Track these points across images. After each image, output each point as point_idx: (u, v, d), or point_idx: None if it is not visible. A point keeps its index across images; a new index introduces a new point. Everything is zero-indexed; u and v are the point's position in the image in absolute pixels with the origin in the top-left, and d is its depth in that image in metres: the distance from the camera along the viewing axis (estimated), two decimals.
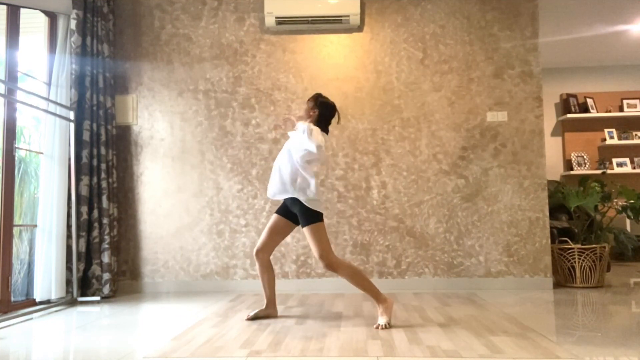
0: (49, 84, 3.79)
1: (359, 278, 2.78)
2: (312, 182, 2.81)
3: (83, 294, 3.82)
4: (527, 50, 4.17)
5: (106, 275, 3.85)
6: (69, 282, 3.72)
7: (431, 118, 4.17)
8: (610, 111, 6.34)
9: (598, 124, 6.44)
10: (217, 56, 4.28)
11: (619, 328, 2.62)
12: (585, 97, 6.42)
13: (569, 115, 6.30)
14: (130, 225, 4.21)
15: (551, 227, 4.34)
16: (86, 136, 3.87)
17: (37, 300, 3.53)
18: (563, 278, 4.17)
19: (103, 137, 3.96)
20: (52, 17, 3.90)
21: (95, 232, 3.87)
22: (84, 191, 3.83)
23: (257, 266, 3.02)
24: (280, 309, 3.24)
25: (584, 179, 4.51)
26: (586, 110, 6.37)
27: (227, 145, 4.22)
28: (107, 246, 3.88)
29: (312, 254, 4.06)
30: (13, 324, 2.98)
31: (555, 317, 2.93)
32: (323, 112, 2.93)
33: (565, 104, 6.44)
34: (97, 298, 3.79)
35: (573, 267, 4.08)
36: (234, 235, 4.16)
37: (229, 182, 4.20)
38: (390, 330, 2.63)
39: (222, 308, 3.36)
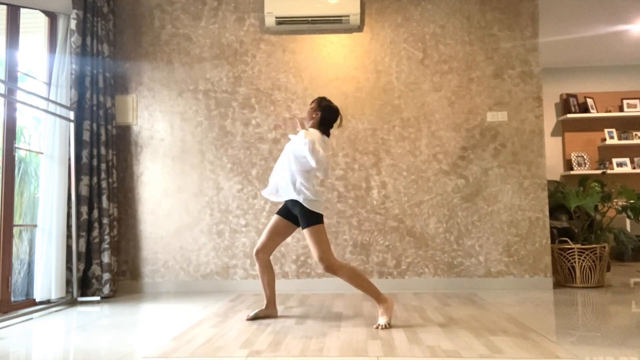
0: (49, 84, 3.79)
1: (358, 279, 2.78)
2: (312, 183, 2.81)
3: (83, 294, 3.82)
4: (527, 50, 4.17)
5: (106, 275, 3.85)
6: (69, 282, 3.72)
7: (431, 118, 4.17)
8: (610, 111, 6.34)
9: (598, 124, 6.44)
10: (217, 56, 4.28)
11: (619, 328, 2.62)
12: (585, 97, 6.42)
13: (569, 115, 6.30)
14: (130, 225, 4.21)
15: (551, 227, 4.34)
16: (86, 136, 3.87)
17: (37, 300, 3.53)
18: (563, 278, 4.17)
19: (103, 137, 3.96)
20: (52, 17, 3.90)
21: (95, 232, 3.88)
22: (84, 191, 3.83)
23: (257, 266, 3.02)
24: (280, 309, 3.24)
25: (584, 179, 4.51)
26: (586, 110, 6.37)
27: (227, 145, 4.22)
28: (107, 246, 3.88)
29: (312, 254, 4.05)
30: (13, 324, 2.98)
31: (555, 317, 2.93)
32: (325, 115, 2.92)
33: (565, 104, 6.44)
34: (97, 298, 3.79)
35: (573, 267, 4.08)
36: (234, 235, 4.16)
37: (229, 182, 4.20)
38: (390, 330, 2.63)
39: (222, 308, 3.36)
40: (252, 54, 4.26)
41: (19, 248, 3.61)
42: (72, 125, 3.79)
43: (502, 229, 4.07)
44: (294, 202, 2.83)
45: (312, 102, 2.98)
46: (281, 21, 4.13)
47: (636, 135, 6.29)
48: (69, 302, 3.67)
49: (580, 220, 4.28)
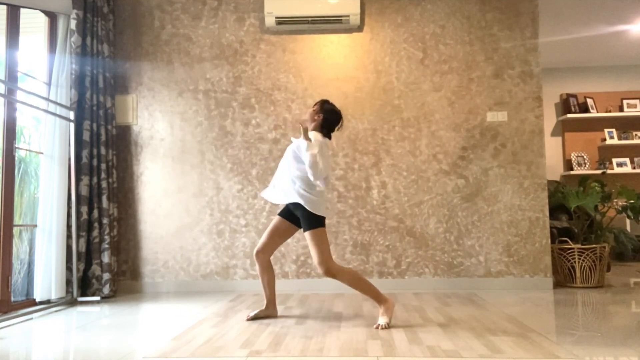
0: (49, 84, 3.79)
1: (358, 282, 2.78)
2: (314, 185, 2.81)
3: (83, 294, 3.82)
4: (527, 50, 4.17)
5: (106, 275, 3.85)
6: (69, 282, 3.72)
7: (431, 118, 4.17)
8: (610, 111, 6.34)
9: (598, 124, 6.44)
10: (217, 56, 4.28)
11: (619, 328, 2.62)
12: (585, 97, 6.42)
13: (569, 115, 6.30)
14: (130, 225, 4.21)
15: (551, 227, 4.34)
16: (86, 136, 3.87)
17: (37, 300, 3.53)
18: (563, 278, 4.17)
19: (103, 137, 3.96)
20: (52, 17, 3.90)
21: (95, 232, 3.88)
22: (84, 191, 3.83)
23: (257, 267, 3.02)
24: (280, 309, 3.24)
25: (584, 179, 4.51)
26: (586, 110, 6.37)
27: (227, 145, 4.22)
28: (107, 246, 3.88)
29: (311, 257, 4.05)
30: (13, 324, 2.98)
31: (555, 317, 2.93)
32: (328, 118, 2.92)
33: (565, 104, 6.44)
34: (97, 298, 3.79)
35: (573, 267, 4.08)
36: (234, 235, 4.16)
37: (229, 182, 4.20)
38: (390, 330, 2.63)
39: (222, 308, 3.36)
40: (252, 54, 4.26)
41: (19, 248, 3.61)
42: (72, 125, 3.79)
43: (502, 229, 4.08)
44: (296, 205, 2.83)
45: (315, 104, 2.98)
46: (281, 21, 4.13)
47: (636, 135, 6.30)
48: (69, 302, 3.67)
49: (580, 220, 4.28)
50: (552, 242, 4.28)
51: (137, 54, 4.31)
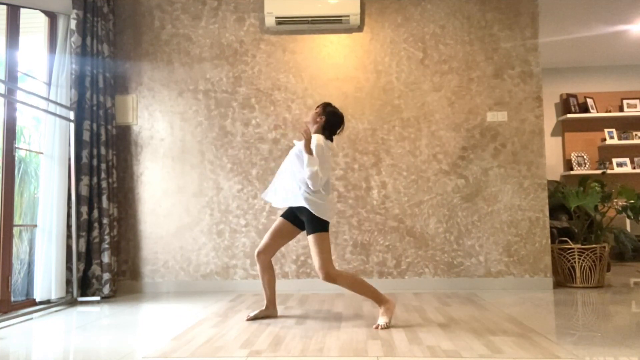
0: (49, 84, 3.79)
1: (358, 286, 2.78)
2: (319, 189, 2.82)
3: (83, 294, 3.82)
4: (527, 50, 4.17)
5: (106, 275, 3.85)
6: (69, 282, 3.72)
7: (431, 118, 4.17)
8: (610, 111, 6.34)
9: (598, 124, 6.44)
10: (217, 56, 4.28)
11: (619, 328, 2.62)
12: (585, 97, 6.42)
13: (569, 115, 6.30)
14: (130, 225, 4.21)
15: (551, 227, 4.34)
16: (86, 136, 3.87)
17: (37, 300, 3.53)
18: (563, 278, 4.17)
19: (103, 137, 3.96)
20: (52, 17, 3.90)
21: (95, 232, 3.87)
22: (84, 191, 3.83)
23: (257, 267, 3.02)
24: (280, 309, 3.24)
25: (584, 179, 4.51)
26: (586, 110, 6.37)
27: (227, 145, 4.22)
28: (107, 246, 3.88)
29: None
30: (13, 324, 2.98)
31: (555, 317, 2.93)
32: (330, 120, 2.93)
33: (565, 104, 6.44)
34: (97, 298, 3.79)
35: (573, 267, 4.08)
36: (234, 235, 4.16)
37: (229, 182, 4.20)
38: (390, 330, 2.63)
39: (222, 308, 3.36)
40: (252, 54, 4.26)
41: (19, 248, 3.61)
42: (72, 125, 3.79)
43: (502, 229, 4.07)
44: (302, 208, 2.83)
45: (317, 107, 2.99)
46: (281, 21, 4.13)
47: (636, 135, 6.30)
48: (69, 302, 3.67)
49: (580, 220, 4.28)
50: (552, 242, 4.28)
51: (137, 54, 4.31)
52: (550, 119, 6.56)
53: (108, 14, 4.14)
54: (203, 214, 4.18)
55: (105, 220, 3.90)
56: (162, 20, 4.32)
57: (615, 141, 6.25)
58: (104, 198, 3.91)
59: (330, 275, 2.75)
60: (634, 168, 6.27)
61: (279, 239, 2.99)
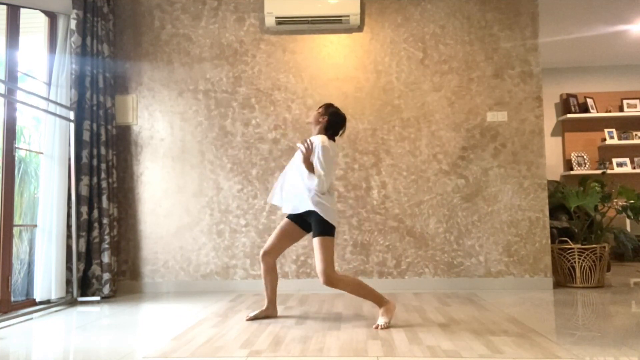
0: (49, 84, 3.79)
1: (359, 289, 2.78)
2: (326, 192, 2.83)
3: (83, 294, 3.82)
4: (527, 50, 4.17)
5: (106, 275, 3.85)
6: (69, 282, 3.72)
7: (431, 118, 4.17)
8: (610, 111, 6.34)
9: (598, 124, 6.44)
10: (217, 56, 4.28)
11: (619, 328, 2.62)
12: (585, 97, 6.42)
13: (569, 115, 6.30)
14: (130, 225, 4.21)
15: (551, 227, 4.34)
16: (86, 136, 3.87)
17: (37, 300, 3.53)
18: (563, 278, 4.17)
19: (103, 137, 3.96)
20: (52, 17, 3.90)
21: (95, 232, 3.87)
22: (84, 191, 3.83)
23: (261, 267, 3.01)
24: (280, 309, 3.24)
25: (584, 179, 4.51)
26: (586, 110, 6.37)
27: (227, 145, 4.22)
28: (107, 246, 3.88)
29: (312, 253, 4.06)
30: (13, 324, 2.98)
31: (555, 317, 2.93)
32: (332, 120, 2.94)
33: (565, 104, 6.44)
34: (97, 298, 3.79)
35: (573, 267, 4.08)
36: (234, 235, 4.16)
37: (229, 182, 4.20)
38: (390, 330, 2.63)
39: (222, 308, 3.36)
40: (252, 54, 4.26)
41: (19, 248, 3.61)
42: (72, 125, 3.79)
43: (502, 229, 4.07)
44: (310, 211, 2.83)
45: (320, 107, 3.00)
46: (281, 21, 4.13)
47: (636, 135, 6.30)
48: (69, 302, 3.67)
49: (580, 220, 4.28)
50: (552, 242, 4.28)
51: (137, 54, 4.31)
52: (550, 119, 6.56)
53: (108, 14, 4.14)
54: (203, 214, 4.18)
55: (105, 220, 3.90)
56: (162, 20, 4.32)
57: (615, 141, 6.25)
58: (104, 198, 3.91)
59: (332, 280, 2.75)
60: (634, 168, 6.27)
61: (286, 240, 2.99)
